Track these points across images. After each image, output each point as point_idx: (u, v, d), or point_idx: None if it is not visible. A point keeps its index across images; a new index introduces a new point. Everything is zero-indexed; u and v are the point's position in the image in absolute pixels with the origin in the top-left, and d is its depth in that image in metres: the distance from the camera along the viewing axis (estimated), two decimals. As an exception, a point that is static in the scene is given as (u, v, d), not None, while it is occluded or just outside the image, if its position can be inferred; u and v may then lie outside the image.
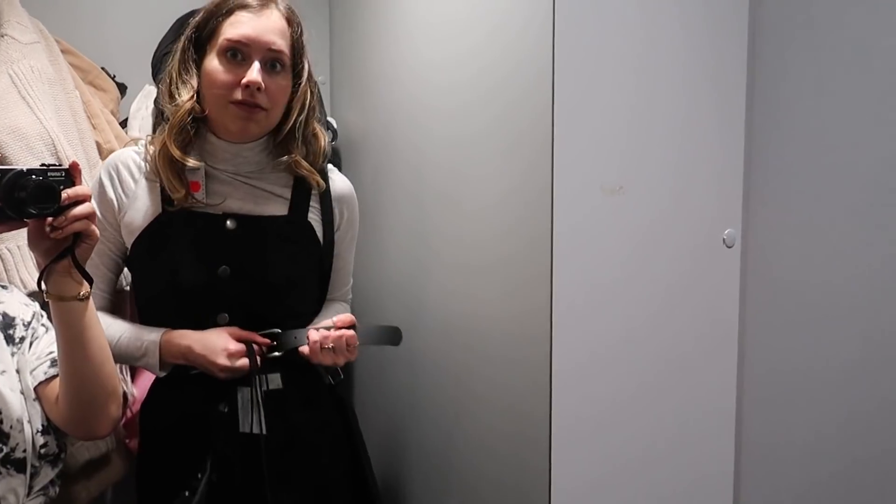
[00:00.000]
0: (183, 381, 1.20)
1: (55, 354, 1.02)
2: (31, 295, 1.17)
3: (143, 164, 1.21)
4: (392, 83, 1.65)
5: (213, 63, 1.14)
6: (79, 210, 0.93)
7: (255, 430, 1.18)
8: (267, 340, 1.20)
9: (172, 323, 1.19)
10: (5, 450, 1.00)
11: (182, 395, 1.22)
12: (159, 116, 1.22)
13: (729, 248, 1.20)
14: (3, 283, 1.17)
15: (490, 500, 1.28)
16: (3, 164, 0.92)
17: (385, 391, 1.76)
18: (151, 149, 1.19)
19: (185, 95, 1.15)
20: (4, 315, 1.07)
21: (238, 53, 1.14)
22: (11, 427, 1.01)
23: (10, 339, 1.06)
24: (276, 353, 1.20)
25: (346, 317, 1.18)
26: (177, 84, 1.17)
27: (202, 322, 1.19)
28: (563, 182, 1.05)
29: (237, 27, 1.14)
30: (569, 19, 1.04)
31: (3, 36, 1.43)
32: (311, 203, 1.26)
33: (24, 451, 1.01)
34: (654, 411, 1.16)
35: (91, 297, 0.99)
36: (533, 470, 1.12)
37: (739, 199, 1.21)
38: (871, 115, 1.11)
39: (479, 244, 1.28)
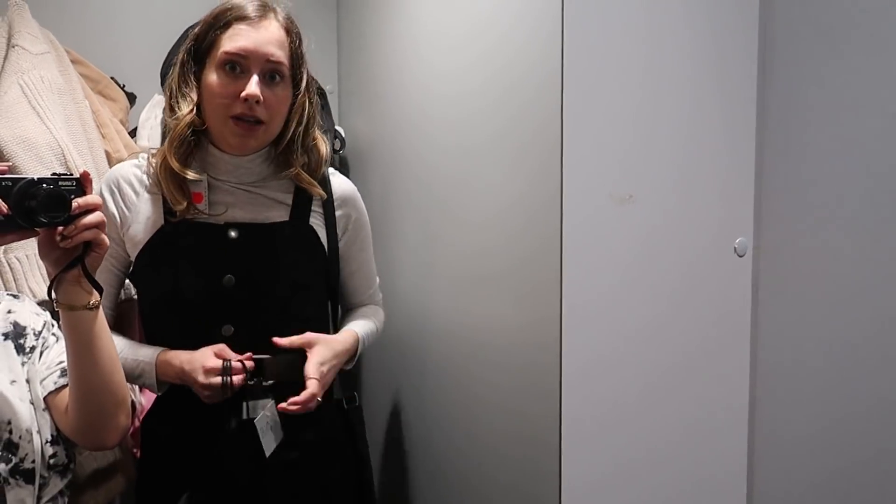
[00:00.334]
0: (184, 396, 1.18)
1: (65, 364, 1.02)
2: (41, 304, 1.17)
3: (143, 177, 1.21)
4: (400, 92, 1.65)
5: (211, 76, 1.14)
6: (89, 219, 0.93)
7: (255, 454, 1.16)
8: (249, 359, 1.16)
9: (176, 335, 1.19)
10: (14, 460, 1.00)
11: (182, 410, 1.21)
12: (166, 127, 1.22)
13: (740, 256, 1.19)
14: (13, 293, 1.17)
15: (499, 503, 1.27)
16: (13, 174, 0.92)
17: (392, 397, 1.75)
18: (154, 161, 1.20)
19: (184, 108, 1.15)
20: (15, 324, 1.07)
21: (236, 66, 1.13)
22: (21, 437, 1.00)
23: (20, 349, 1.06)
24: (271, 382, 1.18)
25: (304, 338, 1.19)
26: (177, 97, 1.17)
27: (206, 334, 1.18)
28: (572, 190, 1.05)
29: (235, 40, 1.13)
30: (577, 27, 1.03)
31: (14, 46, 1.44)
32: (314, 208, 1.26)
33: (34, 461, 1.01)
34: (665, 415, 1.16)
35: (101, 307, 0.99)
36: (543, 473, 1.11)
37: (751, 207, 1.21)
38: (886, 121, 1.10)
39: (487, 252, 1.27)
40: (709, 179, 1.16)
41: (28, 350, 1.06)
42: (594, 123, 1.06)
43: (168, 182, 1.16)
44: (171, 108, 1.17)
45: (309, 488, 1.25)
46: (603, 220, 1.08)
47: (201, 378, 1.12)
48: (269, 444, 1.17)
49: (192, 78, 1.17)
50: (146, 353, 1.18)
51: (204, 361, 1.13)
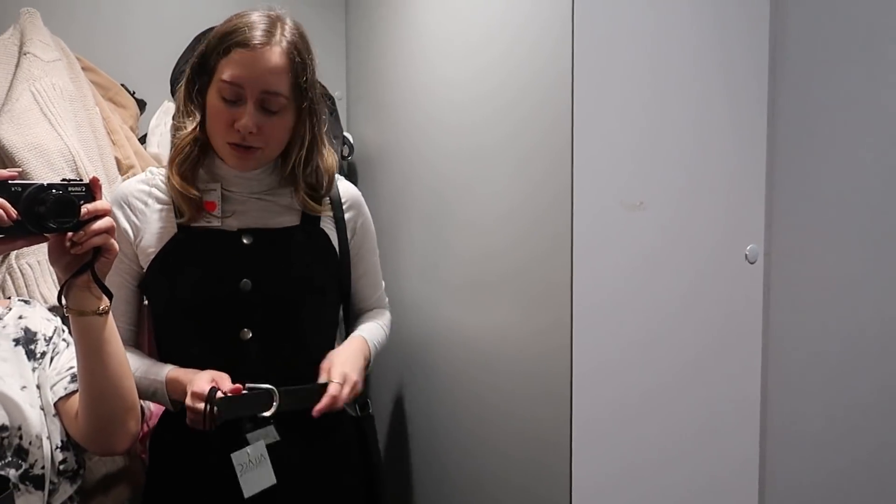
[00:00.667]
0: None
1: (75, 370, 1.02)
2: (52, 309, 1.17)
3: (152, 189, 1.22)
4: (408, 98, 1.65)
5: (212, 100, 1.15)
6: (98, 225, 0.93)
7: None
8: (238, 387, 1.10)
9: (194, 341, 1.19)
10: (24, 466, 1.00)
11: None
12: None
13: (751, 263, 1.18)
14: (24, 298, 1.18)
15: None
16: (23, 179, 0.92)
17: (400, 401, 1.75)
18: (166, 172, 1.21)
19: (188, 127, 1.16)
20: (26, 330, 1.08)
21: (233, 94, 1.12)
22: (31, 443, 1.00)
23: (31, 355, 1.06)
24: (268, 413, 1.13)
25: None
26: (182, 115, 1.18)
27: (225, 340, 1.18)
28: (582, 195, 1.04)
29: (233, 67, 1.12)
30: (587, 33, 1.03)
31: (25, 54, 1.45)
32: (323, 212, 1.27)
33: (43, 467, 1.01)
34: (675, 419, 1.15)
35: (111, 312, 0.99)
36: (553, 475, 1.11)
37: (762, 215, 1.20)
38: (896, 126, 1.09)
39: (497, 258, 1.27)
40: (719, 185, 1.16)
41: (39, 355, 1.07)
42: (604, 126, 1.06)
43: (178, 194, 1.17)
44: (175, 127, 1.19)
45: (321, 498, 1.25)
46: (613, 224, 1.07)
47: (188, 399, 1.09)
48: (250, 482, 1.12)
49: (198, 96, 1.17)
50: (157, 372, 1.18)
51: (197, 383, 1.10)
